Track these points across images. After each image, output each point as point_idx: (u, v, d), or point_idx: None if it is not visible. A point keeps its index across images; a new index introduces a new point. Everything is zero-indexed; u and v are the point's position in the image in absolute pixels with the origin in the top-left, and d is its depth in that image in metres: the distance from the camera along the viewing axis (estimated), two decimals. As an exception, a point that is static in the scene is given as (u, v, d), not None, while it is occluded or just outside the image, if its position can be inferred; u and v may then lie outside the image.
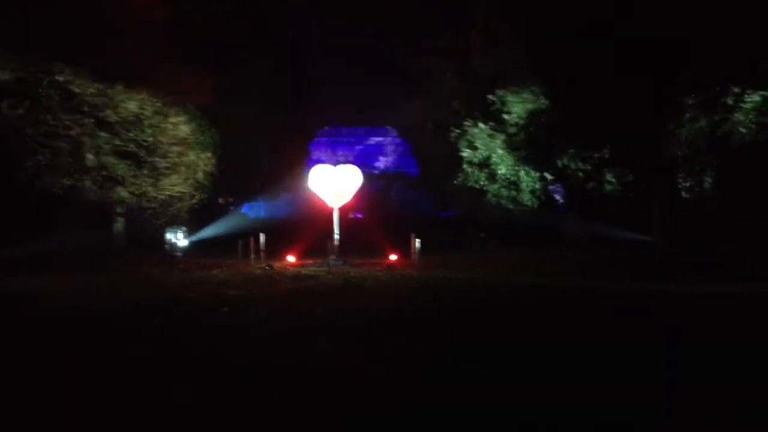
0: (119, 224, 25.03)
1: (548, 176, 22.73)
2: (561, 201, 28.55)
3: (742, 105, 17.84)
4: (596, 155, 20.54)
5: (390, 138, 53.60)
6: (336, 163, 21.27)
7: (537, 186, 23.05)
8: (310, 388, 6.20)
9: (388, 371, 6.82)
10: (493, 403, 5.71)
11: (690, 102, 18.30)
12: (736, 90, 17.86)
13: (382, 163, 53.68)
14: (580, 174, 21.16)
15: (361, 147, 54.65)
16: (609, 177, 20.63)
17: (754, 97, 17.70)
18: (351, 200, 22.11)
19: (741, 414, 5.44)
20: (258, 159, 33.28)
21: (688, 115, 18.44)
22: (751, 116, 17.85)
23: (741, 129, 17.99)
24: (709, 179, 19.35)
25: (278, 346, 8.11)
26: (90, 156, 21.58)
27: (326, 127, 55.04)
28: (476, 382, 6.34)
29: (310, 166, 27.84)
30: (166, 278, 16.61)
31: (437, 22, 33.53)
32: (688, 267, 17.29)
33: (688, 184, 19.52)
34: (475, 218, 27.53)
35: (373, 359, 7.32)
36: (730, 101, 18.01)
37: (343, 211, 22.50)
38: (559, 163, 21.66)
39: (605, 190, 21.00)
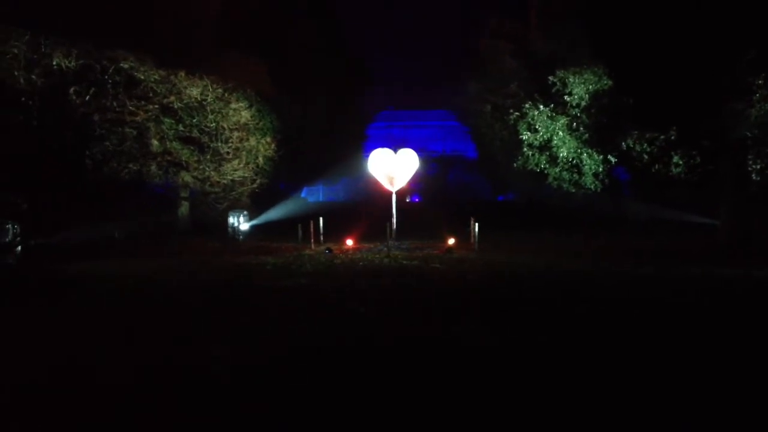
0: (183, 208, 25.67)
1: (612, 159, 22.10)
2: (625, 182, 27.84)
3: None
4: (662, 137, 19.83)
5: (448, 121, 53.29)
6: (394, 146, 21.20)
7: (600, 169, 22.44)
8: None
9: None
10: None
11: (760, 82, 17.49)
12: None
13: (440, 146, 53.49)
14: (646, 156, 20.47)
15: (418, 130, 54.57)
16: (676, 159, 19.90)
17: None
18: (408, 184, 22.10)
19: None
20: (316, 143, 33.56)
21: (758, 95, 17.62)
22: (826, 96, 16.95)
23: (815, 109, 17.10)
24: (779, 161, 18.46)
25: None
26: (155, 141, 22.18)
27: (384, 111, 55.16)
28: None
29: (367, 150, 27.94)
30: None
31: (495, 2, 33.06)
32: (756, 251, 16.81)
33: (758, 166, 18.67)
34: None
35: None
36: (803, 81, 17.13)
37: (400, 194, 22.51)
38: (623, 146, 21.01)
39: (672, 172, 20.27)
